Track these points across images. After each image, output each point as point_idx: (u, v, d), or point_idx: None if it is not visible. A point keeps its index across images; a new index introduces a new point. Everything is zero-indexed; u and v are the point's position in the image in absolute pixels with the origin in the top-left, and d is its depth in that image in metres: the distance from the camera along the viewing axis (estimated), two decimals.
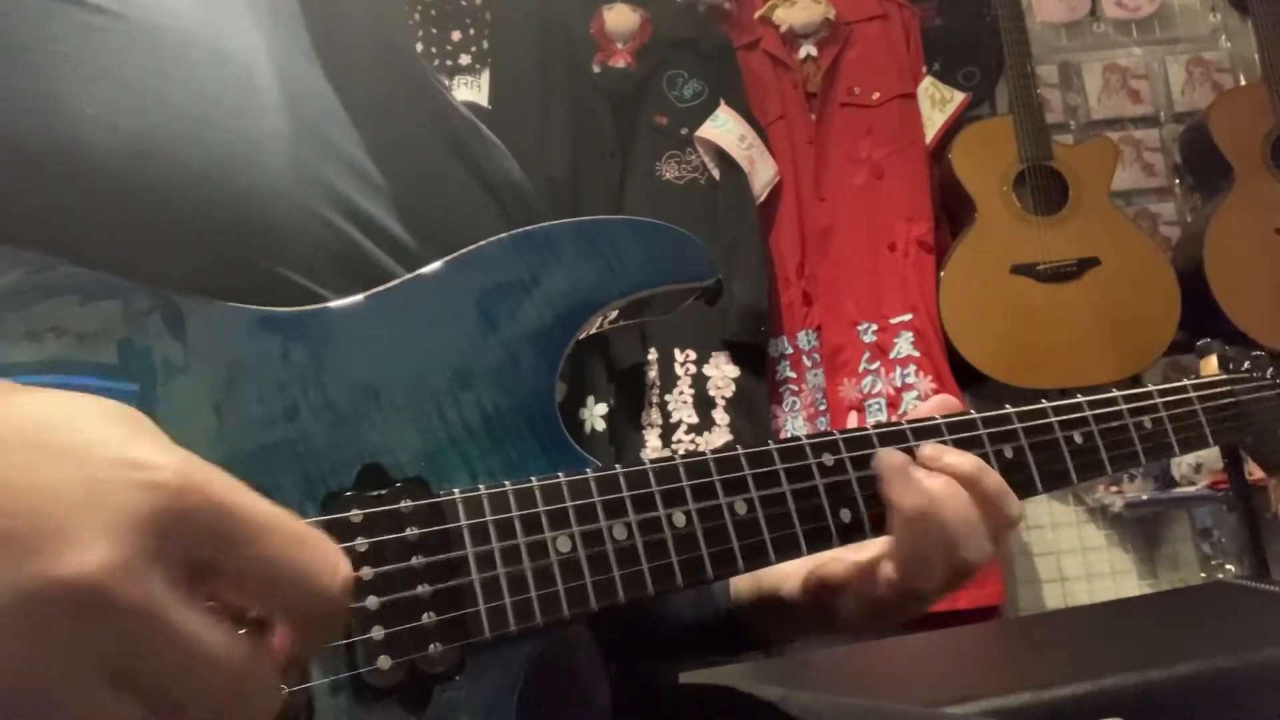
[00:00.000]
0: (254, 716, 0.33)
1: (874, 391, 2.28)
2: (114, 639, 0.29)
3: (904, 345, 2.29)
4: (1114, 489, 2.45)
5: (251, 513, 0.32)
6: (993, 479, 0.59)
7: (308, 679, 0.43)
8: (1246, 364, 0.78)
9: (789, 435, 2.30)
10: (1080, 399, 0.66)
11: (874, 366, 2.29)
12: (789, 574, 0.66)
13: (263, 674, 0.33)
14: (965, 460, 0.59)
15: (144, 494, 0.30)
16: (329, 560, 0.34)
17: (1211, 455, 2.38)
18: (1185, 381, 0.73)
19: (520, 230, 0.55)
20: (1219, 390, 0.74)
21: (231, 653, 0.32)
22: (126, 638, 0.30)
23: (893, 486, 0.57)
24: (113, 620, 0.29)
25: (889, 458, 0.58)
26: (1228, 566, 2.46)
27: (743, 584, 0.70)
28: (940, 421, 0.61)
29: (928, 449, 0.59)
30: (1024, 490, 0.62)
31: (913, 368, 2.27)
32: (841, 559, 0.62)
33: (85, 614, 0.29)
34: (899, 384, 2.27)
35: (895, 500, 0.57)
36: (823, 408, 2.30)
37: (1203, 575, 2.49)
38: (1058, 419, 0.65)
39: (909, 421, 0.61)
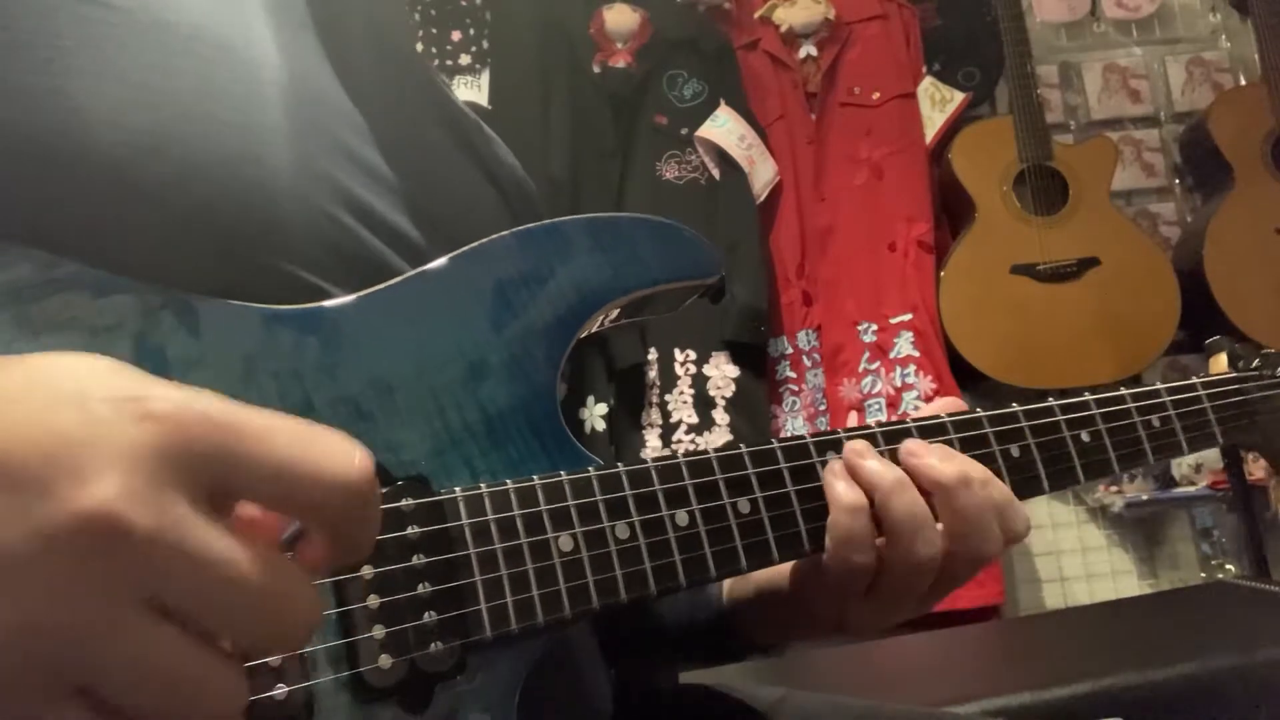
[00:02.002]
0: (295, 629, 0.33)
1: (874, 391, 2.28)
2: (139, 566, 0.30)
3: (904, 345, 2.29)
4: (1114, 489, 2.45)
5: (251, 424, 0.32)
6: (999, 491, 0.58)
7: (308, 677, 0.43)
8: (1256, 362, 0.77)
9: (789, 435, 2.30)
10: (1088, 397, 0.66)
11: (874, 366, 2.29)
12: (783, 572, 0.65)
13: (296, 585, 0.33)
14: (966, 465, 0.58)
15: (144, 425, 0.31)
16: (342, 451, 0.33)
17: (1211, 455, 2.38)
18: (1194, 380, 0.72)
19: (524, 227, 0.55)
20: (1228, 389, 0.73)
21: (260, 568, 0.31)
22: (151, 564, 0.30)
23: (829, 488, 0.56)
24: (135, 548, 0.29)
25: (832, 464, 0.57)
26: (1228, 566, 2.46)
27: (738, 586, 0.69)
28: (946, 420, 0.61)
29: (909, 444, 0.58)
30: (1030, 490, 0.61)
31: (913, 368, 2.27)
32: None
33: (108, 545, 0.29)
34: (899, 384, 2.27)
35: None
36: (823, 408, 2.30)
37: (1203, 575, 2.49)
38: (1065, 418, 0.64)
39: (914, 420, 0.60)
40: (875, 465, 0.56)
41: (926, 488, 0.56)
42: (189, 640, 0.31)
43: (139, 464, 0.30)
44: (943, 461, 0.57)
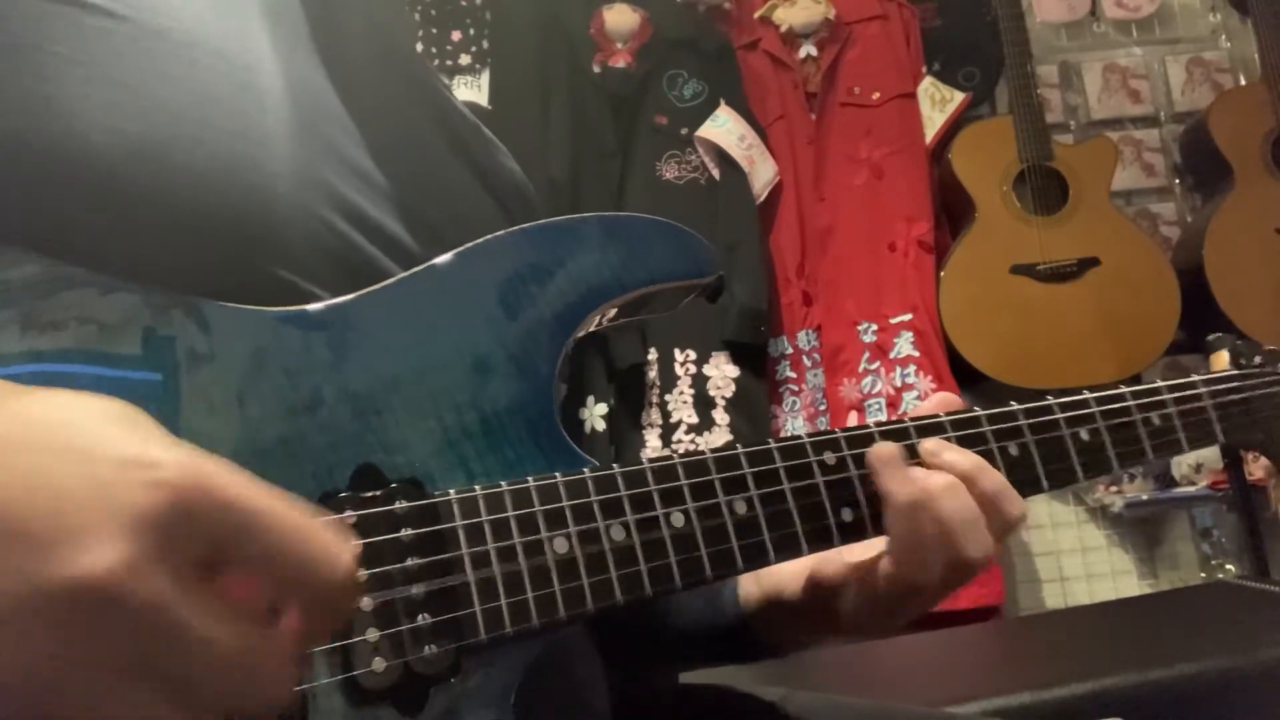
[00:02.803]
0: (265, 696, 0.34)
1: (874, 391, 2.28)
2: (129, 634, 0.30)
3: (904, 345, 2.29)
4: (1114, 489, 2.45)
5: (252, 507, 0.33)
6: (991, 478, 0.58)
7: (302, 681, 0.42)
8: (1258, 359, 0.76)
9: (789, 435, 2.30)
10: (1087, 395, 0.65)
11: (874, 366, 2.29)
12: (791, 576, 0.65)
13: (271, 657, 0.34)
14: (964, 458, 0.58)
15: (148, 493, 0.31)
16: (329, 552, 0.35)
17: (1211, 455, 2.38)
18: (1195, 378, 0.71)
19: (518, 227, 0.55)
20: (1230, 386, 0.72)
21: (239, 640, 0.32)
22: (141, 632, 0.30)
23: (884, 477, 0.56)
24: (127, 617, 0.30)
25: (879, 449, 0.57)
26: (1228, 566, 2.46)
27: (751, 589, 0.70)
28: (945, 419, 0.61)
29: (928, 444, 0.59)
30: (1029, 488, 0.61)
31: (913, 368, 2.27)
32: (840, 559, 0.61)
33: (101, 612, 0.30)
34: (899, 384, 2.27)
35: (888, 490, 0.56)
36: (823, 408, 2.30)
37: (1203, 575, 2.49)
38: (1064, 415, 0.63)
39: (912, 419, 0.60)
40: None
41: None
42: (165, 704, 0.31)
43: (139, 533, 0.30)
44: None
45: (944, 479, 0.57)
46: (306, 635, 0.36)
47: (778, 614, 0.67)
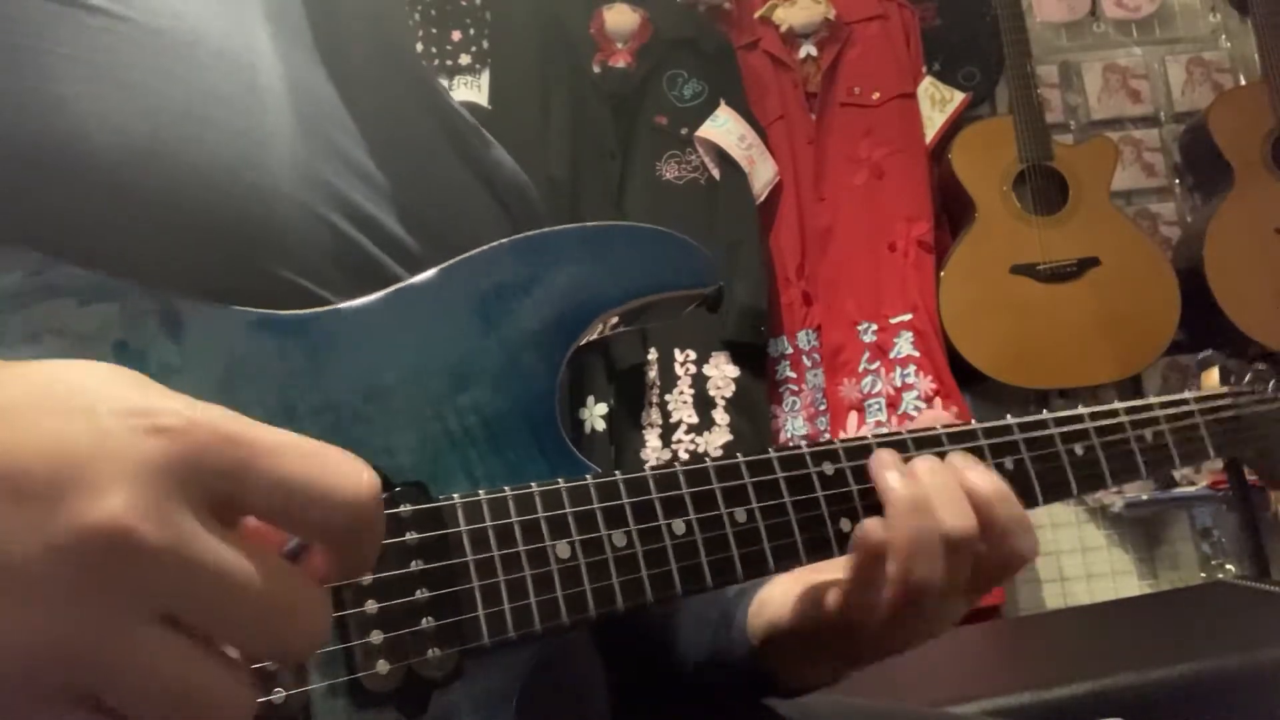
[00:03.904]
0: (304, 634, 0.33)
1: (874, 391, 2.28)
2: (149, 579, 0.30)
3: (904, 345, 2.29)
4: (1114, 489, 2.45)
5: (259, 438, 0.33)
6: (1015, 510, 0.58)
7: (305, 682, 0.43)
8: (1249, 377, 0.78)
9: (789, 435, 2.31)
10: (1082, 410, 0.66)
11: (874, 366, 2.29)
12: (781, 603, 0.64)
13: (305, 592, 0.33)
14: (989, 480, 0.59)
15: (151, 439, 0.31)
16: (349, 471, 0.34)
17: None
18: (1187, 394, 0.73)
19: (521, 235, 0.55)
20: (1221, 404, 0.74)
21: (268, 576, 0.32)
22: (161, 576, 0.30)
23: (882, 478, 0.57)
24: (145, 561, 0.30)
25: (881, 455, 0.58)
26: (1228, 566, 2.46)
27: (759, 629, 0.68)
28: (941, 432, 0.61)
29: (955, 460, 0.59)
30: (1024, 502, 0.61)
31: (913, 368, 2.27)
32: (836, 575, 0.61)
33: (117, 558, 0.29)
34: (899, 384, 2.27)
35: (884, 488, 0.57)
36: (823, 408, 2.30)
37: (1203, 575, 2.49)
38: (1058, 430, 0.65)
39: (909, 431, 0.61)
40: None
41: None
42: (197, 651, 0.31)
43: (148, 478, 0.30)
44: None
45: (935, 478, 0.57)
46: (338, 567, 0.35)
47: (783, 644, 0.66)
